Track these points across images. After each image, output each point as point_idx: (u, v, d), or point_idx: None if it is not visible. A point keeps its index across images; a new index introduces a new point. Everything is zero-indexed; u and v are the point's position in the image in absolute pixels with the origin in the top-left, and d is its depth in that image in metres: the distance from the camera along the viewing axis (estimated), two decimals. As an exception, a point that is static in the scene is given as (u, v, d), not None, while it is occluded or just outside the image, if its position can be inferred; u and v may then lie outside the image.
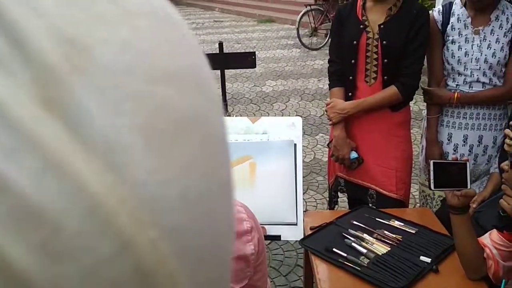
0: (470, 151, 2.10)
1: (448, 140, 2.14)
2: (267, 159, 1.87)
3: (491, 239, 1.43)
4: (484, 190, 2.01)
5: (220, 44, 2.76)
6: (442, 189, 1.56)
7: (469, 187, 1.44)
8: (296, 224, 1.80)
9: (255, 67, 2.78)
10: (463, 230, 1.45)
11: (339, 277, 1.52)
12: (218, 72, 2.84)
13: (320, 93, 5.54)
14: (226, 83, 5.38)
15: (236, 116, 4.87)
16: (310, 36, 8.02)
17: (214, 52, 2.92)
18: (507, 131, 1.59)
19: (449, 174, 1.47)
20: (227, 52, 2.86)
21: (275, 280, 2.59)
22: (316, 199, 3.37)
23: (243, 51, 6.49)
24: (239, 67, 3.14)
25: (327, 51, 2.22)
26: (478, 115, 2.06)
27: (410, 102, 2.14)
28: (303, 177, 3.36)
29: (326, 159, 3.84)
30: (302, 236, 1.76)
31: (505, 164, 1.36)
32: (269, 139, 1.95)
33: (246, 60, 2.63)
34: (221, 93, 3.04)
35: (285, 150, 1.88)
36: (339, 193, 2.38)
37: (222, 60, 2.68)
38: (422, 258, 1.56)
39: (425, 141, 2.22)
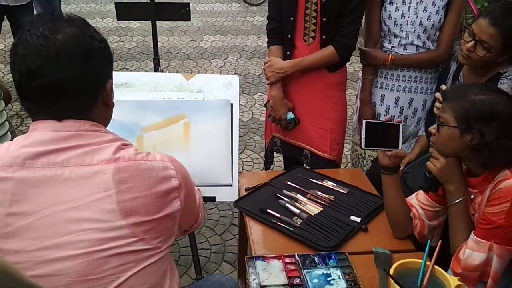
0: (400, 113, 2.15)
1: (381, 101, 2.18)
2: (202, 118, 1.81)
3: (417, 199, 1.49)
4: (411, 152, 2.08)
5: (151, -8, 2.57)
6: (373, 148, 1.60)
7: (400, 148, 1.47)
8: (231, 185, 1.77)
9: (189, 19, 2.62)
10: (392, 190, 1.49)
11: (272, 238, 1.52)
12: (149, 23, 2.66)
13: (259, 51, 5.46)
14: (161, 36, 5.13)
15: (171, 72, 4.69)
16: (250, -9, 7.80)
17: (144, 1, 2.71)
18: (437, 94, 1.63)
19: (381, 134, 1.49)
20: (159, 1, 2.66)
21: (210, 239, 2.59)
22: (253, 159, 3.37)
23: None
24: (172, 19, 2.95)
25: (267, 8, 2.14)
26: (410, 77, 2.10)
27: (346, 63, 2.14)
28: (240, 136, 3.33)
29: (264, 118, 3.82)
30: (237, 197, 1.74)
31: (433, 128, 1.40)
32: (204, 98, 1.87)
33: (180, 11, 2.46)
34: (152, 47, 2.86)
35: (221, 109, 1.82)
36: (275, 153, 2.37)
37: (153, 11, 2.49)
38: (353, 217, 1.59)
39: (359, 102, 2.25)
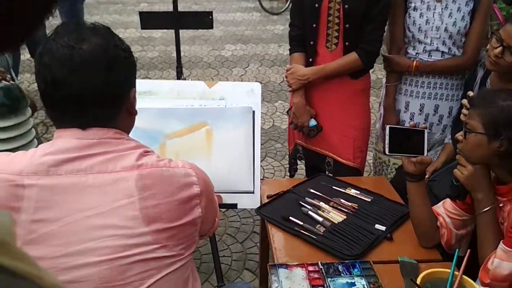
0: (425, 120, 2.12)
1: (405, 108, 2.15)
2: (224, 125, 1.81)
3: (444, 208, 1.45)
4: (437, 160, 2.04)
5: (175, 2, 2.60)
6: (397, 155, 1.56)
7: (425, 154, 1.44)
8: (253, 192, 1.76)
9: (212, 27, 2.65)
10: (418, 198, 1.46)
11: (295, 246, 1.51)
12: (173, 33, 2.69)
13: (280, 59, 5.47)
14: (183, 45, 5.19)
15: (193, 80, 4.73)
16: (270, 0, 7.86)
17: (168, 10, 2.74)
18: (464, 101, 1.59)
19: (406, 140, 1.47)
20: (182, 11, 2.70)
21: (231, 247, 2.58)
22: (274, 166, 3.36)
23: (201, 12, 6.25)
24: (195, 27, 2.98)
25: (288, 16, 2.14)
26: (435, 84, 2.07)
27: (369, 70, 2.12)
28: (262, 144, 3.33)
29: (285, 126, 3.82)
30: (259, 204, 1.73)
31: (459, 135, 1.37)
32: (226, 105, 1.88)
33: (203, 20, 2.48)
34: (175, 55, 2.90)
35: (243, 116, 1.82)
36: (298, 160, 2.36)
37: (176, 19, 2.52)
38: (377, 226, 1.57)
39: (383, 109, 2.22)
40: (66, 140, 0.97)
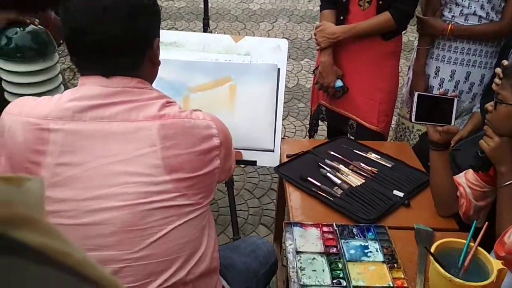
0: (455, 87, 2.05)
1: (435, 73, 2.08)
2: (248, 82, 1.79)
3: (466, 178, 1.43)
4: (463, 129, 1.99)
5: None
6: (423, 123, 1.51)
7: (453, 123, 1.41)
8: (273, 151, 1.77)
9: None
10: (440, 167, 1.44)
11: (311, 206, 1.52)
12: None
13: (310, 15, 5.31)
14: (211, -4, 5.08)
15: (219, 33, 4.67)
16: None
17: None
18: (497, 69, 1.53)
19: (434, 108, 1.42)
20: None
21: (248, 201, 2.63)
22: (295, 126, 3.35)
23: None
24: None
25: (321, -31, 2.06)
26: (469, 50, 1.99)
27: (402, 32, 2.04)
28: (285, 103, 3.30)
29: (310, 85, 3.77)
30: (278, 163, 1.74)
31: (489, 105, 1.32)
32: (251, 61, 1.85)
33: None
34: (203, 7, 2.84)
35: (268, 74, 1.80)
36: (319, 121, 2.34)
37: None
38: (395, 192, 1.56)
39: (412, 73, 2.16)
40: (90, 87, 0.99)
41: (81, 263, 0.28)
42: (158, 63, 1.08)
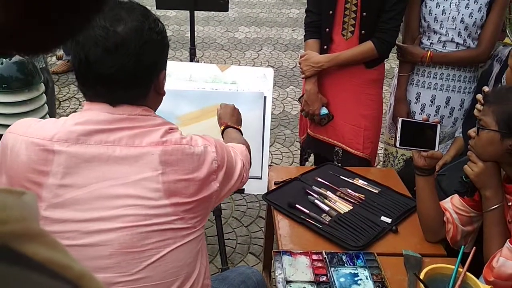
0: (436, 112, 2.10)
1: (416, 99, 2.13)
2: (235, 110, 1.80)
3: (452, 204, 1.45)
4: (446, 154, 2.02)
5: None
6: (408, 148, 1.54)
7: (437, 149, 1.43)
8: (260, 178, 1.77)
9: (227, 10, 2.62)
10: (426, 192, 1.45)
11: (300, 233, 1.52)
12: (188, 13, 2.67)
13: (294, 43, 5.41)
14: (196, 25, 5.15)
15: (205, 62, 4.71)
16: (287, -17, 7.74)
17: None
18: (478, 96, 1.57)
19: (418, 134, 1.45)
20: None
21: (236, 230, 2.60)
22: (282, 152, 3.36)
23: (216, -7, 6.18)
24: (210, 9, 2.96)
25: (304, 0, 2.11)
26: (448, 76, 2.04)
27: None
28: (271, 129, 3.32)
29: (295, 112, 3.80)
30: (266, 190, 1.74)
31: (472, 131, 1.35)
32: (238, 90, 1.87)
33: (218, 2, 2.46)
34: (189, 36, 2.88)
35: (255, 102, 1.82)
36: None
37: (192, 1, 2.50)
38: (383, 218, 1.57)
39: (394, 99, 2.20)
40: (96, 112, 1.01)
41: (80, 277, 0.28)
42: (163, 93, 1.11)
